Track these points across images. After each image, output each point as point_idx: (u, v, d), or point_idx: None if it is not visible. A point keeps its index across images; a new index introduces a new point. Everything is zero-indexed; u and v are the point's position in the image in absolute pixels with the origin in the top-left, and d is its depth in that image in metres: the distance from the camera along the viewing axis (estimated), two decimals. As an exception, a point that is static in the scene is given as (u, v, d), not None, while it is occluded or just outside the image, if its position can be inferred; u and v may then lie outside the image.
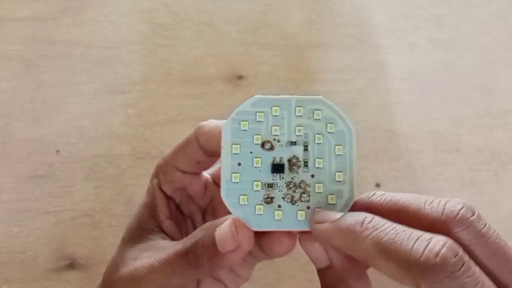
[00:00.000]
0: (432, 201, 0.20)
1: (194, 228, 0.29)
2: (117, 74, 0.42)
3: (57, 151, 0.40)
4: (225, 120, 0.23)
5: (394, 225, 0.19)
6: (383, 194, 0.21)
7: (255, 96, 0.23)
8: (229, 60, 0.44)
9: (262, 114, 0.22)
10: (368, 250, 0.19)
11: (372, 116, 0.42)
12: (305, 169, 0.22)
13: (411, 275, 0.18)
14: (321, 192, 0.22)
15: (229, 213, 0.22)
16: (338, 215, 0.21)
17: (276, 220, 0.22)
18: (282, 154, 0.22)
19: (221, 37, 0.44)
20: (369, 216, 0.20)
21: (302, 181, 0.22)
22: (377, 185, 0.40)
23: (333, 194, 0.22)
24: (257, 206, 0.22)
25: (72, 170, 0.39)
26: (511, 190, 0.41)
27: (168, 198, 0.27)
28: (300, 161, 0.22)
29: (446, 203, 0.19)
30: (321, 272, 0.23)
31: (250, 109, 0.23)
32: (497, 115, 0.43)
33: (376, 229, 0.19)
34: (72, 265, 0.37)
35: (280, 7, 0.46)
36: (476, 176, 0.41)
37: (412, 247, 0.18)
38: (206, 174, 0.29)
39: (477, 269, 0.18)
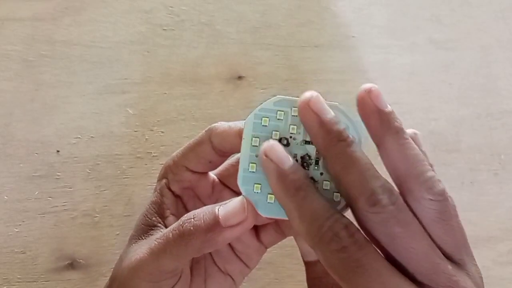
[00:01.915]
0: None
1: None
2: (117, 74, 0.42)
3: (57, 151, 0.40)
4: (238, 121, 0.25)
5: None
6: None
7: (278, 96, 0.24)
8: (229, 60, 0.44)
9: (283, 113, 0.24)
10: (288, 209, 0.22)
11: (372, 116, 0.42)
12: (316, 167, 0.24)
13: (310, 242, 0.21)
14: (328, 189, 0.24)
15: None
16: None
17: None
18: (296, 151, 0.24)
19: (221, 37, 0.44)
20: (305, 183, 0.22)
21: (312, 177, 0.24)
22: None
23: (338, 192, 0.23)
24: (269, 195, 0.24)
25: (72, 170, 0.39)
26: (511, 190, 0.41)
27: (176, 197, 0.28)
28: (312, 159, 0.24)
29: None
30: (310, 264, 0.24)
31: (272, 107, 0.24)
32: (497, 115, 0.43)
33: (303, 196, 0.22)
34: (72, 265, 0.37)
35: (280, 7, 0.46)
36: (476, 176, 0.41)
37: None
38: (213, 175, 0.29)
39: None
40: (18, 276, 0.37)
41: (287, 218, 0.24)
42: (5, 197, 0.38)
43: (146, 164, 0.40)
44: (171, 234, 0.24)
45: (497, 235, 0.39)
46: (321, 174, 0.24)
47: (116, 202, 0.39)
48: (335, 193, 0.24)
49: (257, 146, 0.24)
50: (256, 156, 0.24)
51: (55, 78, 0.42)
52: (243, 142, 0.24)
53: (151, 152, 0.40)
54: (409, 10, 0.47)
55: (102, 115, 0.41)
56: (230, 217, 0.23)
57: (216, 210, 0.23)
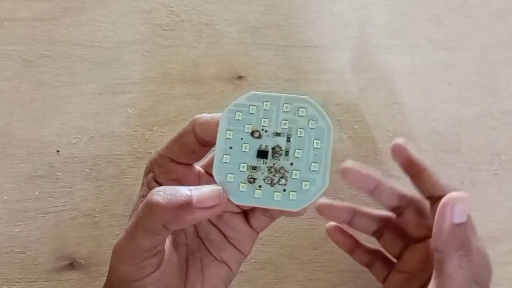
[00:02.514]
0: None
1: None
2: (117, 74, 0.42)
3: (57, 151, 0.40)
4: (220, 112, 0.26)
5: None
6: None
7: (251, 91, 0.26)
8: (229, 60, 0.44)
9: (255, 107, 0.26)
10: None
11: (372, 116, 0.42)
12: (286, 158, 0.25)
13: None
14: (297, 179, 0.25)
15: None
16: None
17: (256, 197, 0.25)
18: (268, 142, 0.25)
19: (221, 37, 0.44)
20: None
21: (282, 167, 0.25)
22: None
23: (307, 181, 0.25)
24: (241, 184, 0.25)
25: (72, 170, 0.39)
26: (511, 190, 0.41)
27: None
28: (282, 150, 0.25)
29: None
30: None
31: (245, 102, 0.26)
32: (497, 115, 0.43)
33: None
34: (72, 265, 0.37)
35: (280, 7, 0.46)
36: (476, 176, 0.41)
37: None
38: (199, 167, 0.30)
39: None
40: (18, 276, 0.37)
41: (256, 205, 0.25)
42: (5, 197, 0.38)
43: (146, 164, 0.40)
44: (140, 209, 0.25)
45: (497, 235, 0.39)
46: (291, 164, 0.25)
47: (116, 202, 0.39)
48: (303, 182, 0.25)
49: (230, 138, 0.25)
50: (230, 148, 0.25)
51: (55, 78, 0.42)
52: (218, 135, 0.26)
53: (151, 152, 0.40)
54: (409, 10, 0.47)
55: (102, 115, 0.41)
56: (204, 200, 0.24)
57: (189, 191, 0.24)
